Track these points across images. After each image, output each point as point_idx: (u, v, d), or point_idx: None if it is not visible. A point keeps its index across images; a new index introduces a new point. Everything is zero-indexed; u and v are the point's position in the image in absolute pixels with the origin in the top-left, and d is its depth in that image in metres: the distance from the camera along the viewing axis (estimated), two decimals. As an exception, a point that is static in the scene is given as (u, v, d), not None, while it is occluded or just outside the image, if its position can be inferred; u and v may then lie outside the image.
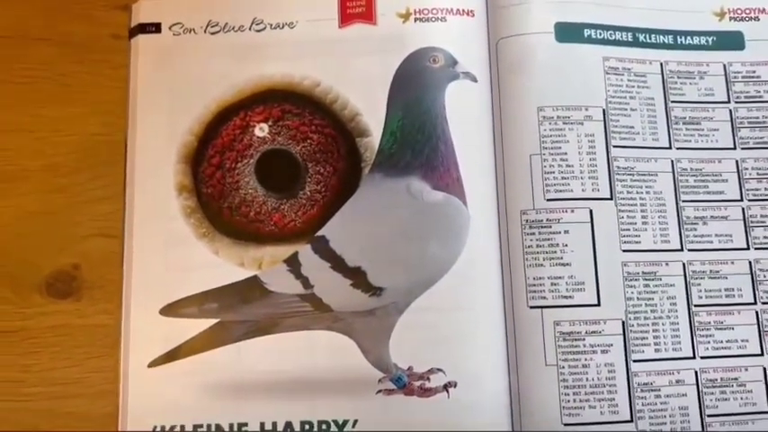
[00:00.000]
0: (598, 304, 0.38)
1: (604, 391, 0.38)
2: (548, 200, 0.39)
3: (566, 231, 0.39)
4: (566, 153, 0.40)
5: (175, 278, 0.40)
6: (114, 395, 0.39)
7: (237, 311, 0.39)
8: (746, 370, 0.39)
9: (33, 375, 0.39)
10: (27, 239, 0.41)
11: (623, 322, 0.38)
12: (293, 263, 0.40)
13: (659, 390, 0.38)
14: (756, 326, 0.39)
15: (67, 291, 0.40)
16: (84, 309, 0.40)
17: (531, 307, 0.38)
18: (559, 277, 0.38)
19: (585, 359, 0.38)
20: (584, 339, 0.38)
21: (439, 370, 0.38)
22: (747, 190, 0.41)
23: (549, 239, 0.39)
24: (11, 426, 0.39)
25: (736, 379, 0.39)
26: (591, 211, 0.39)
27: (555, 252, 0.39)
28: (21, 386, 0.39)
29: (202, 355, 0.39)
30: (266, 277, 0.40)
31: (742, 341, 0.39)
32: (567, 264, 0.39)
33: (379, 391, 0.38)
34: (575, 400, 0.37)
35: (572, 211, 0.39)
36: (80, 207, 0.41)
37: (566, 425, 0.37)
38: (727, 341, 0.39)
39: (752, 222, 0.41)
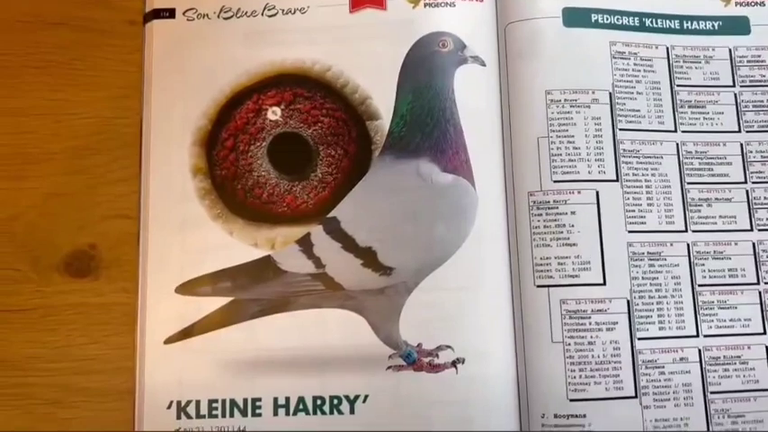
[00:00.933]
0: (604, 283, 0.39)
1: (609, 367, 0.38)
2: (555, 181, 0.40)
3: (572, 212, 0.40)
4: (573, 136, 0.40)
5: (190, 258, 0.41)
6: (131, 371, 0.40)
7: (251, 290, 0.41)
8: (749, 348, 0.40)
9: (52, 352, 0.41)
10: (47, 220, 0.42)
11: (628, 301, 0.39)
12: (305, 243, 0.41)
13: (663, 367, 0.39)
14: (759, 305, 0.40)
15: (86, 270, 0.41)
16: (102, 287, 0.41)
17: (538, 286, 0.39)
18: (566, 257, 0.39)
19: (591, 336, 0.39)
20: (589, 317, 0.39)
21: (447, 347, 0.39)
22: (752, 173, 0.42)
23: (555, 220, 0.40)
24: (32, 400, 0.40)
25: (738, 357, 0.40)
26: (597, 193, 0.40)
27: (561, 232, 0.39)
28: (39, 362, 0.40)
29: (217, 333, 0.40)
30: (279, 257, 0.41)
31: (745, 320, 0.40)
32: (574, 244, 0.39)
33: (390, 367, 0.39)
34: (580, 377, 0.38)
35: (578, 193, 0.40)
36: (98, 189, 0.42)
37: (571, 400, 0.38)
38: (731, 320, 0.40)
39: (756, 204, 0.41)
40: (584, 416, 0.38)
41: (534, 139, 0.40)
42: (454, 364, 0.39)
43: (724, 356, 0.39)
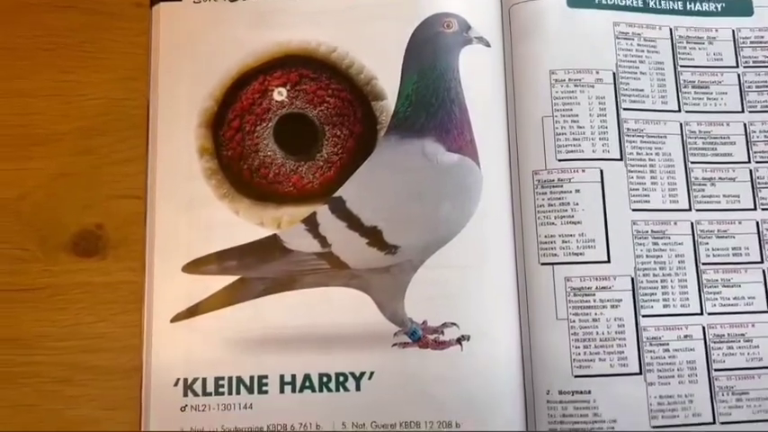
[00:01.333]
0: (608, 261, 0.39)
1: (614, 344, 0.39)
2: (559, 160, 0.40)
3: (577, 191, 0.40)
4: (577, 115, 0.41)
5: (197, 237, 0.41)
6: (138, 349, 0.40)
7: (257, 269, 0.41)
8: (753, 326, 0.40)
9: (60, 330, 0.41)
10: (54, 200, 0.42)
11: (632, 279, 0.39)
12: (311, 222, 0.41)
13: (668, 344, 0.39)
14: (763, 284, 0.40)
15: (93, 249, 0.42)
16: (109, 267, 0.42)
17: (543, 263, 0.39)
18: (570, 235, 0.39)
19: (596, 314, 0.39)
20: (594, 295, 0.39)
21: (452, 324, 0.40)
22: (755, 152, 0.42)
23: (560, 198, 0.40)
24: (40, 378, 0.40)
25: (742, 335, 0.40)
26: (601, 172, 0.40)
27: (566, 210, 0.40)
28: (47, 340, 0.41)
29: (223, 311, 0.40)
30: (285, 236, 0.41)
31: (749, 298, 0.40)
32: (578, 222, 0.40)
33: (395, 344, 0.40)
34: (585, 353, 0.38)
35: (583, 171, 0.40)
36: (105, 169, 0.43)
37: (576, 377, 0.38)
38: (735, 298, 0.40)
39: (759, 183, 0.42)
40: (589, 392, 0.38)
41: (539, 119, 0.41)
42: (459, 341, 0.39)
43: (728, 334, 0.40)
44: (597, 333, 0.39)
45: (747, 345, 0.39)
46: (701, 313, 0.40)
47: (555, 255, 0.39)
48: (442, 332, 0.40)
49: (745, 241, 0.41)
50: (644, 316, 0.39)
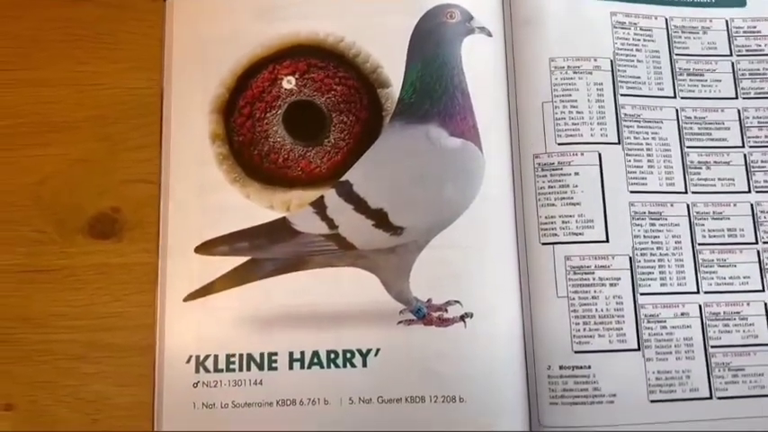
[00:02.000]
0: (607, 241, 0.41)
1: (613, 321, 0.40)
2: (559, 144, 0.42)
3: (576, 173, 0.41)
4: (576, 101, 0.42)
5: (209, 220, 0.42)
6: (152, 328, 0.42)
7: (267, 250, 0.42)
8: (748, 305, 0.41)
9: (77, 310, 0.42)
10: (71, 185, 0.44)
11: (630, 258, 0.41)
12: (319, 205, 0.42)
13: (665, 321, 0.40)
14: (758, 263, 0.41)
15: (109, 232, 0.43)
16: (124, 248, 0.43)
17: (543, 243, 0.41)
18: (570, 215, 0.41)
19: (595, 291, 0.40)
20: (593, 273, 0.40)
21: (456, 302, 0.41)
22: (749, 137, 0.43)
23: (560, 180, 0.41)
24: (57, 355, 0.42)
25: (738, 313, 0.41)
26: (600, 155, 0.42)
27: (566, 192, 0.41)
28: (64, 319, 0.42)
29: (234, 290, 0.42)
30: (294, 219, 0.42)
31: (744, 278, 0.41)
32: (578, 203, 0.41)
33: (400, 321, 0.41)
34: (584, 330, 0.40)
35: (582, 155, 0.41)
36: (120, 155, 0.44)
37: (576, 352, 0.39)
38: (730, 277, 0.41)
39: (753, 167, 0.43)
40: (589, 367, 0.39)
41: (539, 104, 0.42)
42: (462, 318, 0.41)
43: (724, 312, 0.41)
44: (596, 310, 0.40)
45: (743, 323, 0.41)
46: (698, 292, 0.41)
47: (555, 235, 0.41)
48: (446, 310, 0.41)
49: (739, 223, 0.42)
50: (642, 294, 0.40)
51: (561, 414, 0.39)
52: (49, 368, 0.42)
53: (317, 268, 0.42)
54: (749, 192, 0.42)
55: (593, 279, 0.40)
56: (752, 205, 0.42)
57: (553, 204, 0.41)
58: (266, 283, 0.42)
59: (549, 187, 0.41)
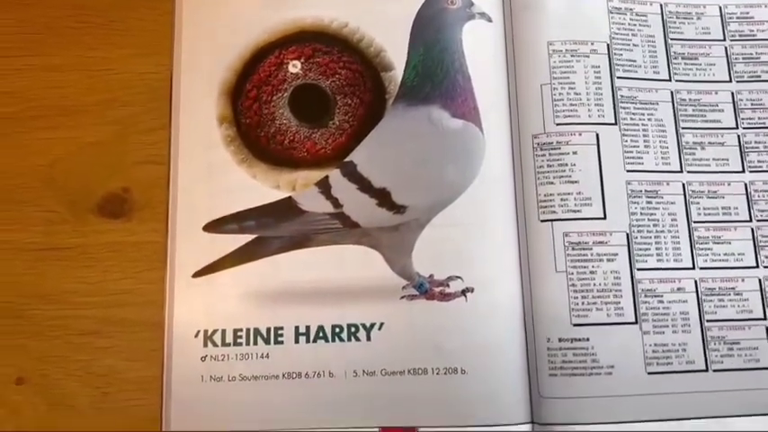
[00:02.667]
0: (604, 218, 0.42)
1: (610, 295, 0.41)
2: (557, 124, 0.43)
3: (574, 152, 0.42)
4: (573, 83, 0.43)
5: (217, 199, 0.44)
6: (161, 304, 0.43)
7: (273, 228, 0.43)
8: (743, 281, 0.42)
9: (88, 287, 0.43)
10: (82, 167, 0.45)
11: (627, 234, 0.42)
12: (324, 185, 0.44)
13: (662, 296, 0.41)
14: (752, 241, 0.43)
15: (119, 212, 0.44)
16: (135, 228, 0.44)
17: (542, 220, 0.42)
18: (568, 193, 0.42)
19: (593, 266, 0.41)
20: (591, 249, 0.41)
21: (457, 277, 0.42)
22: (742, 119, 0.44)
23: (558, 160, 0.42)
24: (70, 330, 0.43)
25: (733, 288, 0.42)
26: (597, 135, 0.43)
27: (564, 171, 0.42)
28: (76, 296, 0.43)
29: (242, 267, 0.43)
30: (300, 198, 0.44)
31: (739, 254, 0.42)
32: (576, 181, 0.42)
33: (403, 296, 0.42)
34: (583, 303, 0.41)
35: (579, 135, 0.43)
36: (130, 138, 0.45)
37: (574, 325, 0.40)
38: (725, 254, 0.42)
39: (747, 148, 0.44)
40: (588, 339, 0.40)
41: (538, 87, 0.43)
42: (464, 293, 0.42)
43: (719, 288, 0.42)
44: (594, 285, 0.41)
45: (738, 298, 0.42)
46: (693, 268, 0.42)
47: (554, 212, 0.42)
48: (448, 285, 0.42)
49: (734, 201, 0.43)
50: (639, 269, 0.41)
51: (560, 385, 0.40)
52: (61, 343, 0.43)
53: (322, 246, 0.43)
54: (743, 171, 0.43)
55: (591, 255, 0.41)
56: (746, 184, 0.43)
57: (552, 183, 0.42)
58: (272, 261, 0.43)
59: (548, 166, 0.42)
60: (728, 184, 0.43)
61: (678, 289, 0.41)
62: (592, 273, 0.41)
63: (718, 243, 0.42)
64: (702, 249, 0.42)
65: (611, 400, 0.39)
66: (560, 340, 0.40)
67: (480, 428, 0.40)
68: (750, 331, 0.41)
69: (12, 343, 0.43)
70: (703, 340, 0.41)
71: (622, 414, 0.39)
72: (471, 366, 0.41)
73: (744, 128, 0.44)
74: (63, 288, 0.43)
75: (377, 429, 0.40)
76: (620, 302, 0.41)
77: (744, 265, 0.42)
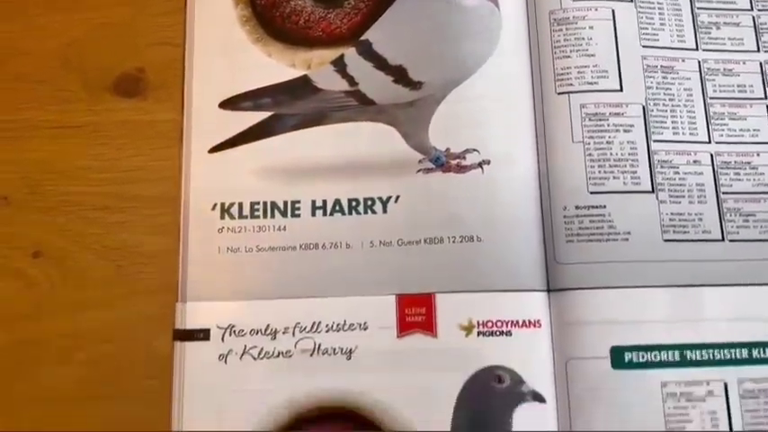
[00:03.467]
0: (620, 90, 0.42)
1: (627, 164, 0.41)
2: (574, 0, 0.43)
3: (590, 27, 0.42)
4: (589, -41, 0.43)
5: (232, 78, 0.43)
6: (177, 180, 0.42)
7: (289, 106, 0.43)
8: (758, 155, 0.42)
9: (102, 163, 0.43)
10: (98, 47, 0.45)
11: (644, 107, 0.42)
12: (339, 64, 0.44)
13: (678, 167, 0.41)
14: (767, 118, 0.43)
15: (134, 91, 0.44)
16: (150, 107, 0.44)
17: (559, 93, 0.42)
18: (585, 66, 0.42)
19: (609, 137, 0.41)
20: (608, 120, 0.41)
21: (474, 150, 0.42)
22: (757, 1, 0.45)
23: (575, 34, 0.42)
24: (82, 206, 0.42)
25: (748, 163, 0.42)
26: (613, 11, 0.43)
27: (581, 45, 0.42)
28: (90, 172, 0.43)
29: (258, 143, 0.43)
30: (315, 76, 0.44)
31: (754, 130, 0.42)
32: (592, 54, 0.42)
33: (419, 170, 0.42)
34: (600, 172, 0.41)
35: (596, 10, 0.43)
36: (145, 19, 0.45)
37: (591, 193, 0.40)
38: (740, 130, 0.42)
39: (762, 29, 0.44)
40: (605, 206, 0.40)
41: (553, -37, 0.43)
42: (480, 165, 0.42)
43: (735, 162, 0.42)
44: (611, 154, 0.41)
45: (753, 172, 0.42)
46: (709, 142, 0.42)
47: (571, 84, 0.42)
48: (464, 157, 0.42)
49: (749, 80, 0.43)
50: (655, 141, 0.41)
51: (577, 251, 0.40)
52: (76, 218, 0.42)
53: (338, 123, 0.43)
54: (758, 51, 0.43)
55: (608, 125, 0.41)
56: (761, 64, 0.43)
57: (568, 56, 0.42)
58: (288, 137, 0.43)
59: (565, 40, 0.42)
60: (743, 63, 0.43)
61: (694, 161, 0.41)
62: (608, 143, 0.41)
63: (733, 119, 0.42)
64: (718, 125, 0.42)
65: (627, 266, 0.39)
66: (577, 207, 0.40)
67: (496, 292, 0.40)
68: (766, 204, 0.41)
69: (28, 218, 0.42)
70: (719, 211, 0.41)
71: (637, 279, 0.39)
72: (487, 235, 0.41)
73: (759, 9, 0.44)
74: (77, 164, 0.43)
75: (393, 296, 0.40)
76: (636, 172, 0.41)
77: (759, 141, 0.42)
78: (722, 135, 0.42)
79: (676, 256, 0.40)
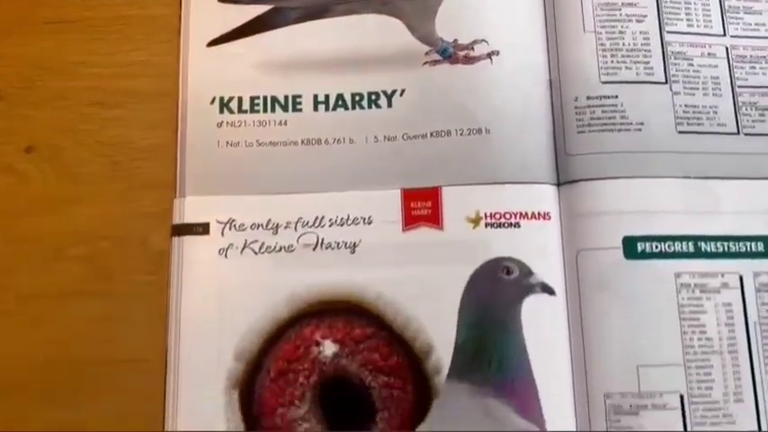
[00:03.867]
0: (632, -24, 0.40)
1: (640, 55, 0.40)
2: None
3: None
4: None
5: (231, -29, 0.42)
6: (174, 75, 0.41)
7: (290, -1, 0.42)
8: (774, 50, 0.41)
9: (97, 58, 0.42)
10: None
11: (657, -2, 0.41)
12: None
13: (692, 60, 0.40)
14: (783, 10, 0.42)
15: (129, -14, 0.43)
16: (145, 1, 0.43)
17: (569, -13, 0.40)
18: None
19: (622, 26, 0.40)
20: (620, 9, 0.40)
21: (482, 40, 0.40)
22: None
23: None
24: (75, 101, 0.41)
25: (764, 57, 0.41)
26: None
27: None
28: (84, 67, 0.42)
29: (258, 36, 0.41)
30: (318, -31, 0.42)
31: (770, 26, 0.41)
32: (604, -56, 0.41)
33: (426, 62, 0.41)
34: (612, 62, 0.39)
35: None
36: None
37: (603, 83, 0.39)
38: (756, 24, 0.41)
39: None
40: (617, 96, 0.39)
41: None
42: (489, 56, 0.40)
43: (750, 56, 0.41)
44: (624, 44, 0.40)
45: (769, 66, 0.41)
46: (724, 35, 0.41)
47: (582, -19, 0.40)
48: (473, 48, 0.40)
49: (764, -26, 0.42)
50: (668, 32, 0.40)
51: (588, 141, 0.38)
52: (68, 113, 0.41)
53: (341, 16, 0.42)
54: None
55: (620, 15, 0.40)
56: (777, -43, 0.42)
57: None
58: (289, 31, 0.41)
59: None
60: (760, -43, 0.42)
61: (709, 54, 0.40)
62: (621, 33, 0.40)
63: (749, 13, 0.41)
64: (733, 18, 0.41)
65: (640, 156, 0.38)
66: (588, 98, 0.39)
67: (505, 185, 0.39)
68: (782, 103, 0.40)
69: (20, 113, 0.41)
70: (734, 104, 0.40)
71: (651, 170, 0.38)
72: (496, 126, 0.39)
73: None
74: (70, 59, 0.42)
75: (398, 190, 0.39)
76: (649, 62, 0.39)
77: (775, 36, 0.41)
78: (737, 29, 0.41)
79: (691, 148, 0.39)
